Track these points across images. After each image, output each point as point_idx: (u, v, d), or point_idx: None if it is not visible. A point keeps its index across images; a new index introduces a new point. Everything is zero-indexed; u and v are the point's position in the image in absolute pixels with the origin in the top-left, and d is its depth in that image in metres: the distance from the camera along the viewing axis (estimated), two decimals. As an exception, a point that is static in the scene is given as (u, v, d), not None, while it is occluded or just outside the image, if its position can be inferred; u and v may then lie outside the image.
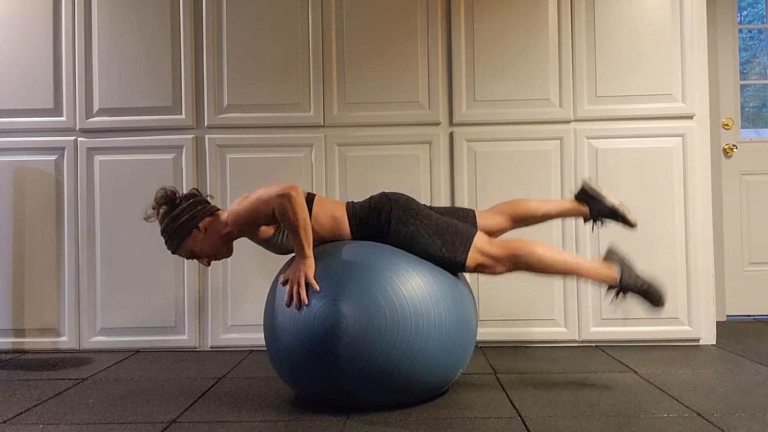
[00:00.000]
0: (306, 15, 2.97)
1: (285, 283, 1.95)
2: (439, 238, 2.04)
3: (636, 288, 2.07)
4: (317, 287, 1.87)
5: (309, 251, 1.93)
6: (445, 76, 2.96)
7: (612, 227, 2.42)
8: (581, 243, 2.89)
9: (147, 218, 2.11)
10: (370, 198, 2.16)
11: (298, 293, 1.88)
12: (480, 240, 2.07)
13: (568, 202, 2.40)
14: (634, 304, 2.39)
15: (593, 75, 2.92)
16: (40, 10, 3.00)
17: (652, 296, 2.07)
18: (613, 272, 2.08)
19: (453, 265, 2.04)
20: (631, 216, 2.32)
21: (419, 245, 2.03)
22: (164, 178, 2.94)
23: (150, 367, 2.63)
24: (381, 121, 2.94)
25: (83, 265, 2.96)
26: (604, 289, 2.14)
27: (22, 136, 3.00)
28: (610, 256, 2.15)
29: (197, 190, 2.19)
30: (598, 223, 2.37)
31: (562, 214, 2.41)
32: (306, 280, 1.89)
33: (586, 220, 2.38)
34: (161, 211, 2.09)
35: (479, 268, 2.07)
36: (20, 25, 3.00)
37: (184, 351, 2.93)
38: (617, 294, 2.10)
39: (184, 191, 2.89)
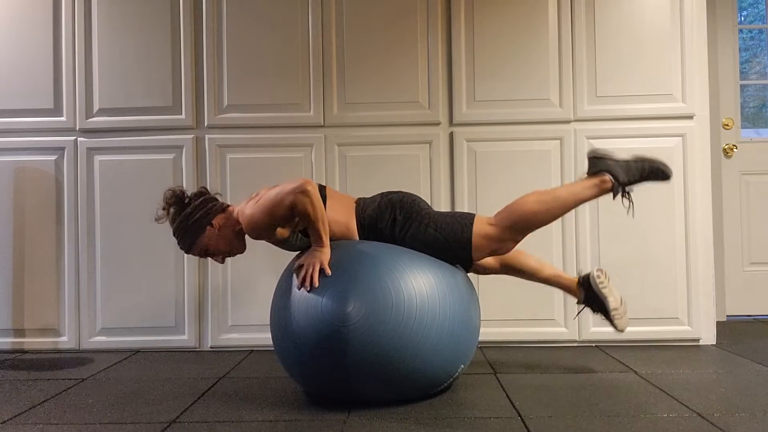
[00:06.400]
0: (306, 15, 2.97)
1: (298, 268, 1.97)
2: (440, 234, 2.06)
3: (636, 178, 2.06)
4: (329, 272, 1.91)
5: (326, 239, 1.97)
6: (445, 76, 2.96)
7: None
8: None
9: (158, 219, 2.10)
10: (379, 198, 2.18)
11: (312, 276, 1.91)
12: (479, 226, 2.08)
13: (568, 281, 2.38)
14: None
15: (593, 75, 2.92)
16: (40, 10, 3.00)
17: (656, 174, 2.06)
18: (605, 178, 2.07)
19: (461, 258, 2.06)
20: (621, 322, 2.29)
21: (424, 245, 2.06)
22: (164, 178, 2.94)
23: (150, 367, 2.63)
24: (381, 121, 2.94)
25: (83, 265, 2.96)
26: (609, 198, 2.11)
27: (22, 136, 3.00)
28: (594, 164, 2.11)
29: (205, 188, 2.19)
30: (589, 309, 2.36)
31: (557, 287, 2.41)
32: (321, 266, 1.93)
33: (578, 302, 2.38)
34: (171, 211, 2.08)
35: (492, 254, 2.10)
36: (20, 26, 3.00)
37: (184, 351, 2.93)
38: (623, 195, 2.08)
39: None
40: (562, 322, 2.89)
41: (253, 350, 2.91)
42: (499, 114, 2.93)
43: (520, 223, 2.06)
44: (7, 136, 3.00)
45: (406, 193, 2.20)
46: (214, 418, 1.91)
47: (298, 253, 2.16)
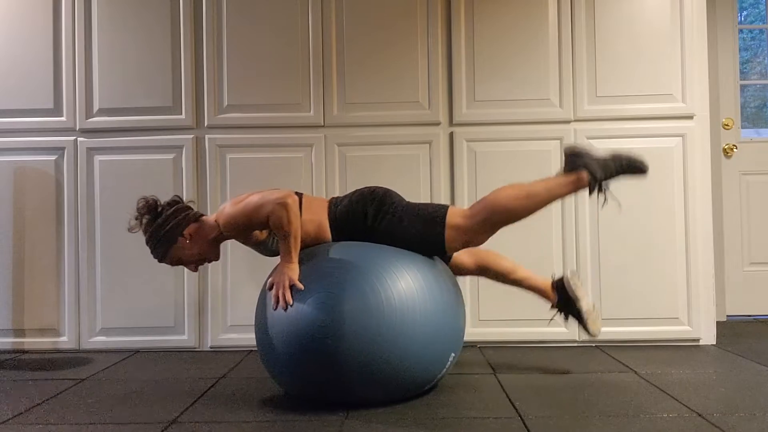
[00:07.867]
0: (306, 15, 2.97)
1: (271, 287, 1.98)
2: (413, 226, 2.06)
3: (613, 173, 2.05)
4: (302, 287, 1.92)
5: (295, 257, 1.98)
6: (445, 76, 2.96)
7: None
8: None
9: (131, 229, 2.10)
10: (350, 196, 2.17)
11: (284, 295, 1.92)
12: (452, 218, 2.06)
13: (542, 283, 2.38)
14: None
15: (593, 75, 2.92)
16: (40, 11, 3.00)
17: (633, 168, 2.05)
18: (582, 175, 2.05)
19: (435, 250, 2.07)
20: (595, 327, 2.31)
21: (398, 238, 2.06)
22: (164, 178, 2.94)
23: (150, 367, 2.63)
24: (381, 121, 2.94)
25: (83, 265, 2.96)
26: (586, 194, 2.11)
27: (22, 136, 3.00)
28: (571, 160, 2.10)
29: (179, 196, 2.19)
30: (561, 315, 2.38)
31: (530, 290, 2.41)
32: (291, 282, 1.93)
33: (551, 306, 2.38)
34: (144, 220, 2.09)
35: (465, 246, 2.09)
36: (20, 25, 3.00)
37: (183, 351, 2.93)
38: (600, 190, 2.08)
39: (184, 192, 2.92)
40: (562, 322, 2.88)
41: (252, 350, 2.91)
42: (499, 114, 2.93)
43: (494, 217, 2.05)
44: (7, 136, 3.00)
45: (378, 186, 2.19)
46: (214, 418, 1.91)
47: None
